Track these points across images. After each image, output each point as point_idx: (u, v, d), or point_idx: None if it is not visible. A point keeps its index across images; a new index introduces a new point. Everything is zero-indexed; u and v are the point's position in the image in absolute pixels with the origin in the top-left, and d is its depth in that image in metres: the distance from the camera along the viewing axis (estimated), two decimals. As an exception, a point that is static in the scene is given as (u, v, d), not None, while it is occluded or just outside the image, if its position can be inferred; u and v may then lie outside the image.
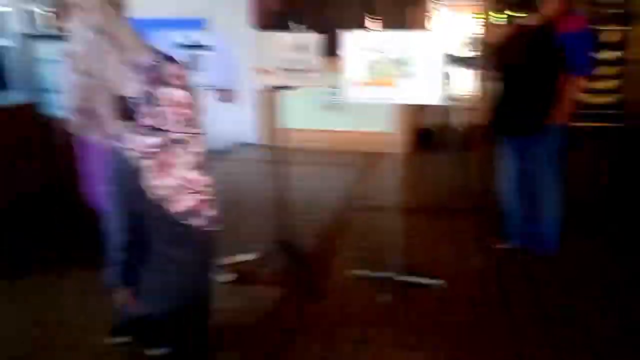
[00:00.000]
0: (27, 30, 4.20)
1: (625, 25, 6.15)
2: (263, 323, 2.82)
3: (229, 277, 3.14)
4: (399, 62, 2.65)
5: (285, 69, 2.91)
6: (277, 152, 3.25)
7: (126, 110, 1.70)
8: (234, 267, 3.27)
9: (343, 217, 4.33)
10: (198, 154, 1.77)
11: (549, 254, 3.43)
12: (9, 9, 4.23)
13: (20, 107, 4.00)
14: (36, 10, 4.26)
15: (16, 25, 4.23)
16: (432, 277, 3.13)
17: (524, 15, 3.44)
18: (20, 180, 3.86)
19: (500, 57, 3.42)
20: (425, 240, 3.78)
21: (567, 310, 2.87)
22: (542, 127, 3.21)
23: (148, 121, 1.69)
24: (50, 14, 4.17)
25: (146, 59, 1.69)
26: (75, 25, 1.67)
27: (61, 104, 1.95)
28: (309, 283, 3.14)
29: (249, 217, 4.24)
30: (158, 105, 1.68)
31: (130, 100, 1.69)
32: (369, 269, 3.26)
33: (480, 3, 7.18)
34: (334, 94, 6.84)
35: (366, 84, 2.76)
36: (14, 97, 4.12)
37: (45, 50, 3.91)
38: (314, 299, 3.01)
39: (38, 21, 4.27)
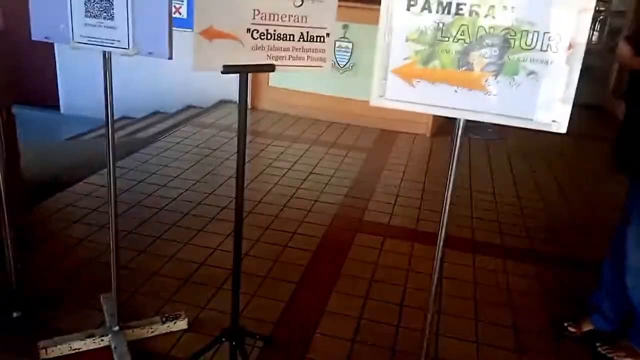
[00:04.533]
0: None
1: None
2: None
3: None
4: (506, 43, 1.26)
5: (261, 35, 1.51)
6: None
7: None
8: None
9: (337, 245, 2.91)
10: None
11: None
12: None
13: None
14: None
15: None
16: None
17: None
18: None
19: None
20: (463, 323, 2.40)
21: None
22: None
23: None
24: None
25: None
26: None
27: None
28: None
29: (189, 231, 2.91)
30: None
31: None
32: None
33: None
34: (346, 50, 5.53)
35: (422, 76, 1.38)
36: None
37: None
38: None
39: None
